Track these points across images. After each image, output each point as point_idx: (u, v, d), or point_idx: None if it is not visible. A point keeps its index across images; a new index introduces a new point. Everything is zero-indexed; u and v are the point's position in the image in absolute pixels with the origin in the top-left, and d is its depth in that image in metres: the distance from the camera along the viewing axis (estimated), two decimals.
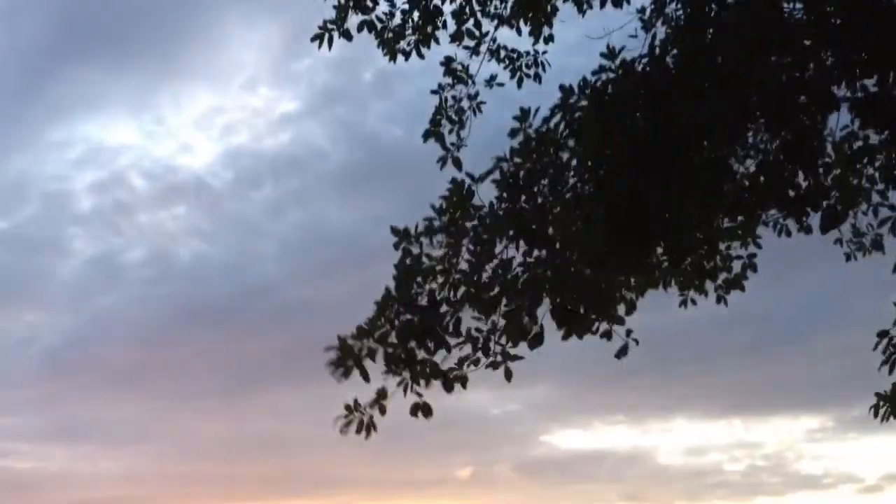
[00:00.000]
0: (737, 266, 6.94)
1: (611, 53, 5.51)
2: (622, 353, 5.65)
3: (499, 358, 5.39)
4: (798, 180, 5.24)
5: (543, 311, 5.36)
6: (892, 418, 6.05)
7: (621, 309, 5.67)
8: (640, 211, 5.00)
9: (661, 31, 6.50)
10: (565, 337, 5.37)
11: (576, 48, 7.60)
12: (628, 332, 5.63)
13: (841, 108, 5.68)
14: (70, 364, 27.27)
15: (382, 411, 5.41)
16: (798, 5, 5.41)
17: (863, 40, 5.08)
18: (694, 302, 7.02)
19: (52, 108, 28.23)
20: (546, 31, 7.73)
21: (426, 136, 7.39)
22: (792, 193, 5.16)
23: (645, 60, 5.34)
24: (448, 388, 5.26)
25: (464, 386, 5.43)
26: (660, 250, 5.73)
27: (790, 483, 25.89)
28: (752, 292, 7.33)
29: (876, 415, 6.00)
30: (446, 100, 7.73)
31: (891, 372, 5.90)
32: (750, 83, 5.04)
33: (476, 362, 5.40)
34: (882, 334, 6.05)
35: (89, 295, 28.02)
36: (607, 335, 5.58)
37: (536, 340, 5.35)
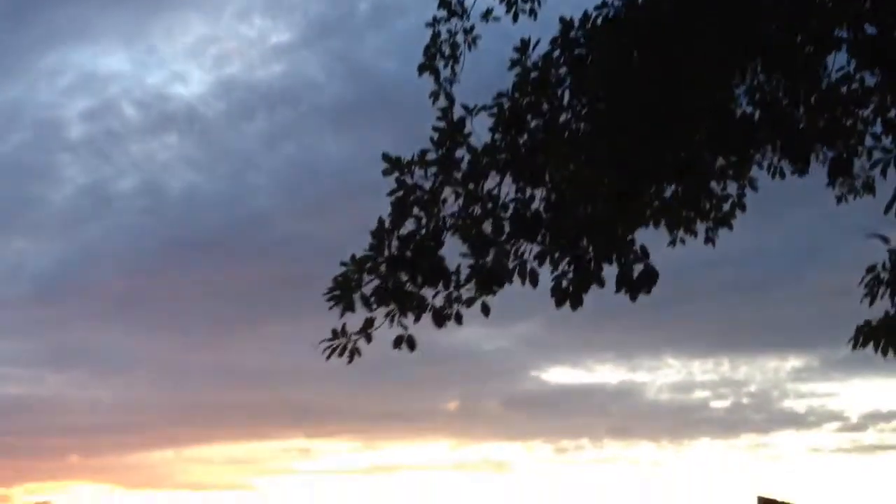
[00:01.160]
0: (726, 205, 6.96)
1: None
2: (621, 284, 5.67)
3: (474, 293, 5.41)
4: (797, 121, 5.22)
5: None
6: (864, 347, 6.13)
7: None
8: (641, 150, 4.98)
9: None
10: (583, 288, 5.36)
11: None
12: (644, 253, 5.53)
13: (839, 49, 5.65)
14: (61, 291, 27.31)
15: (368, 339, 5.45)
16: None
17: None
18: (683, 241, 7.04)
19: (45, 35, 27.76)
20: None
21: (420, 69, 7.29)
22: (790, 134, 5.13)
23: None
24: (439, 322, 5.29)
25: (459, 322, 5.47)
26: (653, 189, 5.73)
27: (774, 421, 26.37)
28: (741, 233, 7.36)
29: (854, 346, 6.09)
30: (440, 33, 7.61)
31: (871, 304, 5.97)
32: (751, 22, 4.99)
33: (470, 301, 5.42)
34: (870, 269, 6.10)
35: (80, 223, 27.95)
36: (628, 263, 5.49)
37: (533, 279, 5.36)
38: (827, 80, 5.94)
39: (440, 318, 5.34)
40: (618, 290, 5.41)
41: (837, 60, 5.86)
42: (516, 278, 5.56)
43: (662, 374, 27.91)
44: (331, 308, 5.24)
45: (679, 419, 27.26)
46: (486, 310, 5.46)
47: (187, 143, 27.71)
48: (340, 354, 5.41)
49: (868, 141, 6.50)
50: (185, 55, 28.31)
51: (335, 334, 5.41)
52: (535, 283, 5.34)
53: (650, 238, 6.75)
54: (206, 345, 27.97)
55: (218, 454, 30.35)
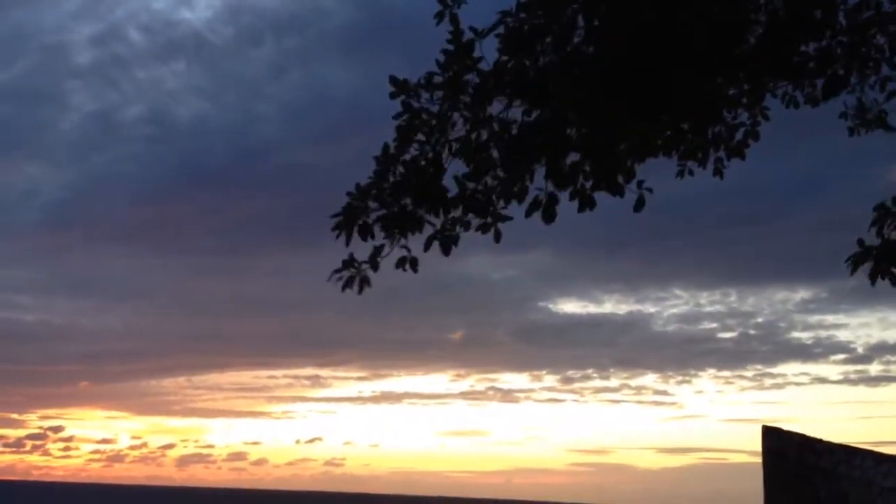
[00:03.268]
0: (739, 135, 6.85)
1: None
2: (639, 206, 5.66)
3: (489, 219, 5.39)
4: (806, 48, 5.10)
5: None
6: (867, 290, 6.09)
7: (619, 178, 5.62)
8: (649, 71, 4.88)
9: None
10: (580, 209, 5.36)
11: None
12: (640, 184, 5.61)
13: None
14: (71, 219, 27.52)
15: (375, 268, 5.45)
16: None
17: None
18: (691, 172, 6.95)
19: None
20: None
21: None
22: (798, 60, 5.02)
23: None
24: (446, 249, 5.28)
25: (455, 244, 5.45)
26: (664, 118, 5.64)
27: (781, 352, 26.57)
28: (752, 165, 7.27)
29: (853, 270, 6.04)
30: None
31: (878, 235, 5.92)
32: None
33: (467, 225, 5.40)
34: (879, 207, 6.04)
35: (89, 151, 28.01)
36: (618, 191, 5.53)
37: (549, 214, 5.33)
38: (843, 6, 5.80)
39: (446, 243, 5.31)
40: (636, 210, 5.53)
41: None
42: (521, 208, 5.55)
43: (670, 306, 28.11)
44: (337, 237, 5.22)
45: (685, 350, 27.53)
46: (497, 236, 5.44)
47: (195, 70, 27.56)
48: (351, 286, 5.42)
49: (884, 70, 6.37)
50: None
51: (345, 265, 5.42)
52: (550, 218, 5.33)
53: (660, 167, 6.68)
54: (215, 273, 28.24)
55: (228, 381, 30.81)
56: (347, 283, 5.35)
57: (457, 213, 5.44)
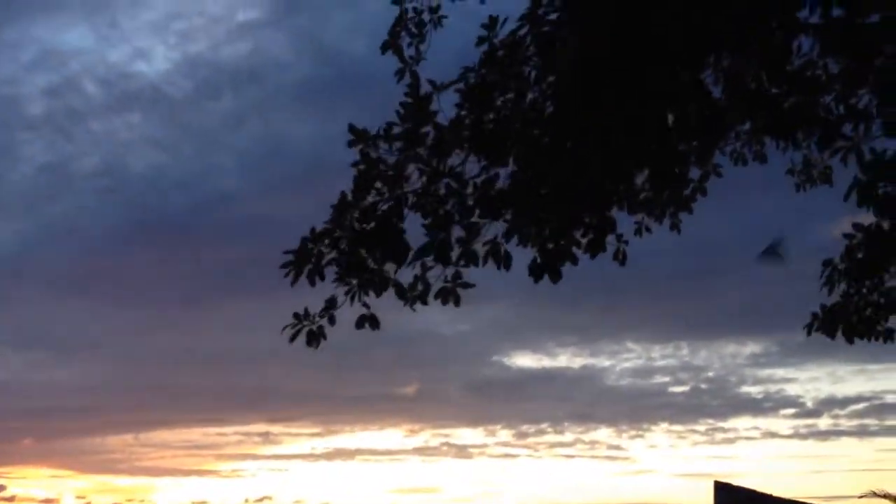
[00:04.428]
0: (688, 190, 7.03)
1: None
2: (622, 259, 5.76)
3: (448, 284, 5.39)
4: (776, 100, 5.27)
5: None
6: (816, 344, 6.24)
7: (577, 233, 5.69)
8: (607, 130, 4.98)
9: None
10: (555, 279, 5.40)
11: None
12: (619, 237, 5.73)
13: (805, 33, 5.69)
14: (22, 271, 26.89)
15: (332, 321, 5.40)
16: None
17: None
18: (649, 229, 7.11)
19: (4, 7, 27.15)
20: None
21: (384, 47, 7.22)
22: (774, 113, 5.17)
23: None
24: (402, 296, 5.26)
25: (424, 302, 5.44)
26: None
27: (732, 406, 26.72)
28: (703, 219, 7.43)
29: (809, 333, 6.18)
30: (407, 11, 7.55)
31: (829, 293, 6.06)
32: (718, 4, 5.00)
33: (426, 292, 5.39)
34: (826, 262, 6.19)
35: (41, 202, 27.51)
36: (600, 246, 5.61)
37: (506, 261, 5.35)
38: (791, 65, 5.98)
39: (402, 292, 5.29)
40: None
41: (803, 46, 5.91)
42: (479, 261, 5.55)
43: (623, 359, 28.17)
44: (286, 276, 5.17)
45: (639, 404, 27.56)
46: (457, 300, 5.44)
47: (151, 122, 27.34)
48: (308, 343, 5.37)
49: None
50: (149, 31, 27.87)
51: (298, 317, 5.36)
52: (508, 265, 5.34)
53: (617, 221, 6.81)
54: (167, 326, 27.70)
55: (177, 439, 30.12)
56: (297, 336, 5.29)
57: (418, 263, 5.44)
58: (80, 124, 26.96)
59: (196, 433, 29.86)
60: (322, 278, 5.21)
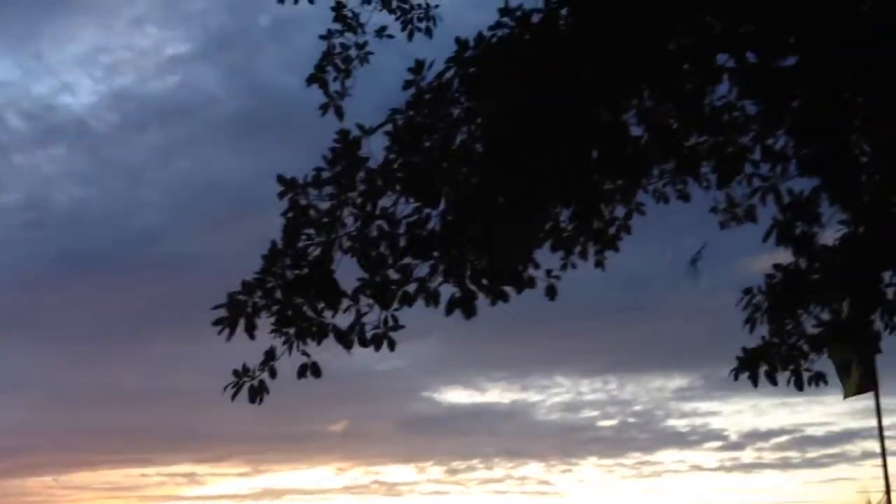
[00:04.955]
0: (613, 229, 7.15)
1: (507, 10, 5.50)
2: (552, 294, 5.83)
3: (382, 329, 5.38)
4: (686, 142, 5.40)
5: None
6: (742, 377, 6.35)
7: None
8: (533, 171, 5.05)
9: None
10: (493, 303, 5.44)
11: (472, 4, 7.55)
12: (549, 272, 5.76)
13: (722, 77, 5.87)
14: None
15: (273, 374, 5.31)
16: None
17: (746, 9, 5.24)
18: (574, 266, 7.22)
19: None
20: None
21: (309, 80, 7.21)
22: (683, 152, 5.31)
23: (539, 16, 5.35)
24: (343, 340, 5.21)
25: (363, 345, 5.41)
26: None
27: (658, 439, 27.05)
28: (629, 254, 7.57)
29: (736, 378, 6.30)
30: (334, 46, 7.57)
31: (751, 331, 6.19)
32: (640, 48, 5.13)
33: (364, 332, 5.36)
34: (746, 291, 6.32)
35: None
36: (530, 283, 5.68)
37: (470, 310, 5.36)
38: (710, 107, 6.16)
39: (346, 340, 5.26)
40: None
41: (721, 89, 6.10)
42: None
43: (553, 394, 28.34)
44: (219, 333, 5.08)
45: (568, 438, 27.70)
46: (392, 344, 5.42)
47: (76, 156, 26.73)
48: (251, 400, 5.28)
49: (747, 168, 6.76)
50: (75, 64, 27.35)
51: (237, 374, 5.27)
52: (437, 303, 5.36)
53: (543, 258, 6.91)
54: (91, 364, 26.89)
55: (99, 480, 29.17)
56: (238, 393, 5.19)
57: (350, 306, 5.40)
58: (2, 158, 26.23)
59: (118, 474, 28.99)
60: (252, 337, 5.13)
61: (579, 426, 27.81)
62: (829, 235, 6.11)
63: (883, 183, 6.02)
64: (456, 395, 29.21)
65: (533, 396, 28.84)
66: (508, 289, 5.45)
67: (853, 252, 5.72)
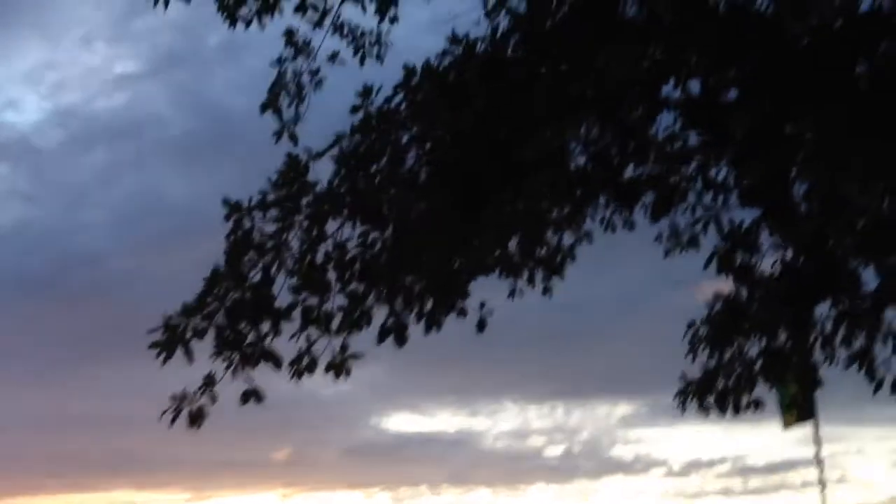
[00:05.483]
0: (559, 256, 7.22)
1: (455, 39, 5.56)
2: (481, 326, 5.84)
3: (337, 357, 5.36)
4: (626, 172, 5.48)
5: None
6: (687, 408, 6.42)
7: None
8: (479, 195, 5.09)
9: (503, 21, 6.61)
10: (426, 331, 5.45)
11: (426, 29, 7.60)
12: (482, 305, 5.78)
13: (666, 108, 5.99)
14: None
15: (213, 399, 5.24)
16: (633, 5, 5.62)
17: (689, 43, 5.36)
18: (521, 292, 7.27)
19: None
20: (392, 11, 7.69)
21: (263, 108, 7.20)
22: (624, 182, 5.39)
23: (486, 45, 5.42)
24: (278, 366, 5.17)
25: (311, 373, 5.39)
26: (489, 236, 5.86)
27: (604, 467, 27.15)
28: (579, 282, 7.63)
29: (683, 409, 6.37)
30: (286, 72, 7.56)
31: (693, 360, 6.26)
32: (584, 78, 5.22)
33: (312, 365, 5.33)
34: (690, 325, 6.41)
35: None
36: (461, 313, 5.70)
37: (401, 339, 5.34)
38: (655, 137, 6.27)
39: (277, 363, 5.21)
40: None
41: (665, 119, 6.22)
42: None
43: (500, 421, 28.36)
44: (156, 357, 5.00)
45: (515, 466, 27.68)
46: (347, 371, 5.40)
47: (19, 175, 26.15)
48: (190, 424, 5.20)
49: (690, 198, 6.88)
50: (20, 81, 26.80)
51: (176, 400, 5.19)
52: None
53: (491, 286, 6.95)
54: (30, 388, 26.21)
55: None
56: (177, 419, 5.10)
57: (296, 333, 5.36)
58: None
59: (58, 500, 28.20)
60: (191, 362, 5.06)
61: (526, 453, 27.83)
62: (770, 265, 6.24)
63: (820, 216, 6.17)
64: (403, 422, 29.09)
65: (481, 423, 28.84)
66: (443, 317, 5.47)
67: (790, 283, 5.84)
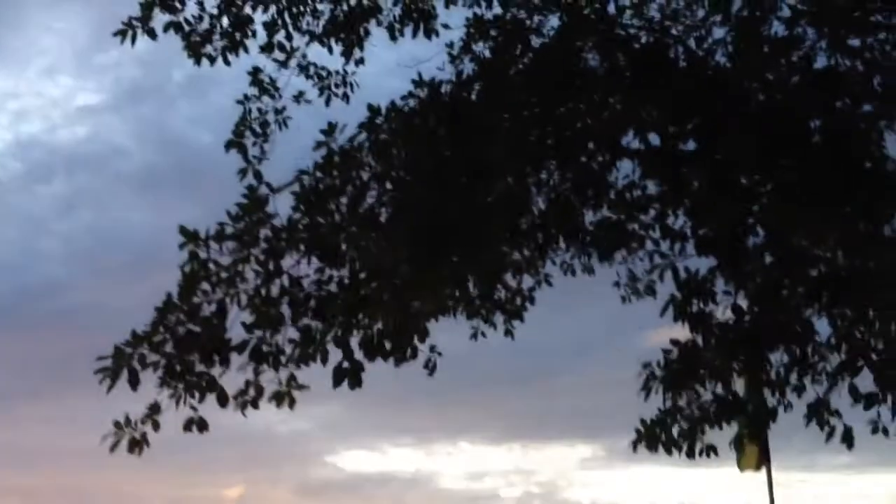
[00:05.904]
0: (519, 299, 7.28)
1: (419, 82, 5.64)
2: (431, 369, 5.87)
3: (283, 387, 5.34)
4: (584, 218, 5.56)
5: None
6: (641, 449, 6.44)
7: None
8: (440, 237, 5.12)
9: (468, 66, 6.72)
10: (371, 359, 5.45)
11: (391, 72, 7.69)
12: (433, 348, 5.82)
13: (626, 157, 6.09)
14: None
15: (156, 427, 5.19)
16: (594, 56, 5.75)
17: (649, 94, 5.47)
18: (484, 335, 7.31)
19: None
20: (357, 53, 7.77)
21: (228, 146, 7.22)
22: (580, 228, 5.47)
23: (451, 90, 5.50)
24: (222, 402, 5.13)
25: (255, 406, 5.36)
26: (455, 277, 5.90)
27: None
28: (538, 325, 7.68)
29: (634, 449, 6.38)
30: (251, 111, 7.60)
31: (646, 399, 6.30)
32: (546, 125, 5.31)
33: (260, 392, 5.32)
34: (645, 365, 6.45)
35: None
36: (412, 355, 5.72)
37: (355, 381, 5.32)
38: (614, 186, 6.37)
39: (224, 397, 5.16)
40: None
41: (625, 168, 6.33)
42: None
43: (457, 461, 28.20)
44: (100, 382, 4.95)
45: None
46: (291, 403, 5.38)
47: None
48: (130, 450, 5.14)
49: (648, 245, 6.98)
50: None
51: (118, 426, 5.15)
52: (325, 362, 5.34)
53: (452, 327, 6.99)
54: None
55: None
56: (117, 445, 5.05)
57: (244, 364, 5.33)
58: None
59: None
60: (135, 389, 5.01)
61: (483, 494, 27.65)
62: (724, 312, 6.32)
63: (774, 265, 6.28)
64: (359, 461, 28.81)
65: (437, 463, 28.65)
66: (391, 359, 5.49)
67: (744, 330, 5.91)
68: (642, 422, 6.30)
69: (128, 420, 5.12)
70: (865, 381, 6.12)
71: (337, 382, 5.13)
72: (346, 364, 5.07)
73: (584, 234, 5.59)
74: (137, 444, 5.14)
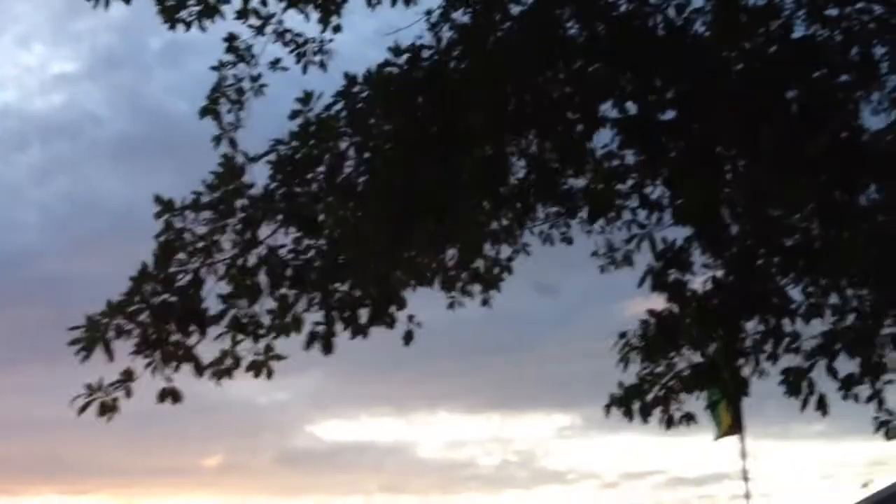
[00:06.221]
0: (497, 269, 7.28)
1: (398, 50, 5.58)
2: (408, 339, 5.86)
3: (261, 357, 5.34)
4: (566, 182, 5.56)
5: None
6: (620, 418, 6.50)
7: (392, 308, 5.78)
8: (417, 203, 5.10)
9: (447, 34, 6.66)
10: (353, 336, 5.43)
11: (369, 41, 7.60)
12: (411, 318, 5.78)
13: (604, 126, 6.08)
14: None
15: (129, 393, 5.18)
16: (574, 24, 5.71)
17: (628, 63, 5.45)
18: (462, 304, 7.31)
19: None
20: (335, 20, 7.67)
21: (202, 113, 7.13)
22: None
23: (430, 58, 5.45)
24: (198, 371, 5.11)
25: (231, 377, 5.35)
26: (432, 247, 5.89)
27: (537, 478, 27.37)
28: (516, 294, 7.69)
29: (607, 413, 6.44)
30: (226, 78, 7.50)
31: (625, 369, 6.35)
32: (525, 93, 5.28)
33: (237, 362, 5.31)
34: (621, 335, 6.50)
35: None
36: (389, 324, 5.72)
37: (328, 346, 5.33)
38: (592, 154, 6.36)
39: (199, 367, 5.15)
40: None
41: (603, 137, 6.32)
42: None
43: (436, 430, 28.40)
44: (75, 354, 4.92)
45: (448, 475, 27.74)
46: (269, 373, 5.37)
47: None
48: (100, 414, 5.11)
49: (626, 215, 6.99)
50: None
51: (91, 389, 5.11)
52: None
53: (430, 296, 6.98)
54: None
55: None
56: (87, 407, 5.03)
57: (221, 333, 5.32)
58: None
59: None
60: (111, 360, 4.99)
61: (460, 463, 27.91)
62: (701, 282, 6.36)
63: (750, 235, 6.32)
64: (339, 430, 28.98)
65: (416, 432, 28.86)
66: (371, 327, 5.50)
67: (720, 300, 5.96)
68: (619, 385, 6.37)
69: (100, 384, 5.09)
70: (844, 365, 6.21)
71: (308, 345, 5.14)
72: (319, 328, 5.08)
73: (565, 200, 5.57)
74: (109, 409, 5.12)
